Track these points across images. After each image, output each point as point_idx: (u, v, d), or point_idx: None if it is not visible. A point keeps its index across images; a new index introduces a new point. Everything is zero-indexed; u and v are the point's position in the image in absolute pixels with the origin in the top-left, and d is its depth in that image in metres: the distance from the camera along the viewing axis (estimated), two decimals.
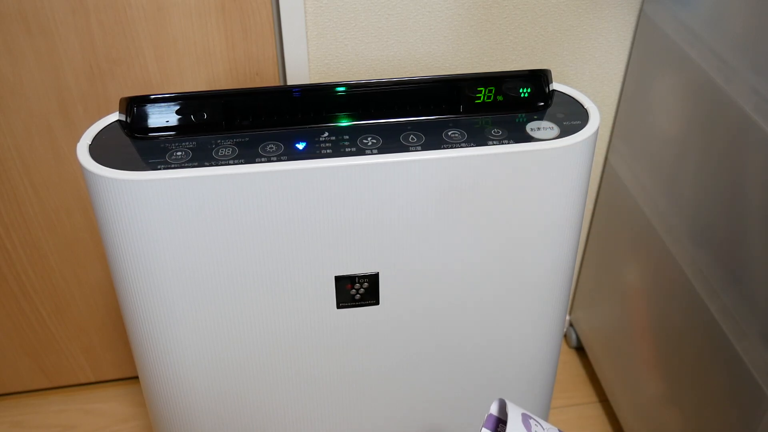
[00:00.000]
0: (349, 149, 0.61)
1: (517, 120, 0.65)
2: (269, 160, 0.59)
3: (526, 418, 0.57)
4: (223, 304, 0.66)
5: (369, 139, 0.62)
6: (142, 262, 0.62)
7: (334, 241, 0.64)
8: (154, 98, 0.63)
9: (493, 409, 0.60)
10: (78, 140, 0.61)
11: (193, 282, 0.64)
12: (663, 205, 0.95)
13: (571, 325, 1.35)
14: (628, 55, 1.02)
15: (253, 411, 0.75)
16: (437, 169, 0.61)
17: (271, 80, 0.97)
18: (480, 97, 0.67)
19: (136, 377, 1.27)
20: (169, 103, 0.63)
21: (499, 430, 0.59)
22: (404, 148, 0.61)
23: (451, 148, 0.61)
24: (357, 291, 0.67)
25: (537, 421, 0.58)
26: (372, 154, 0.60)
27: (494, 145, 0.62)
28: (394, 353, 0.73)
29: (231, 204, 0.60)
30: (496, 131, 0.64)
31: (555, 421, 1.22)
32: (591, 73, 1.03)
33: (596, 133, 0.64)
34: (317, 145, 0.62)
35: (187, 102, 0.64)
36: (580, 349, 1.34)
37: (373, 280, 0.67)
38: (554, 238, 0.68)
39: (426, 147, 0.61)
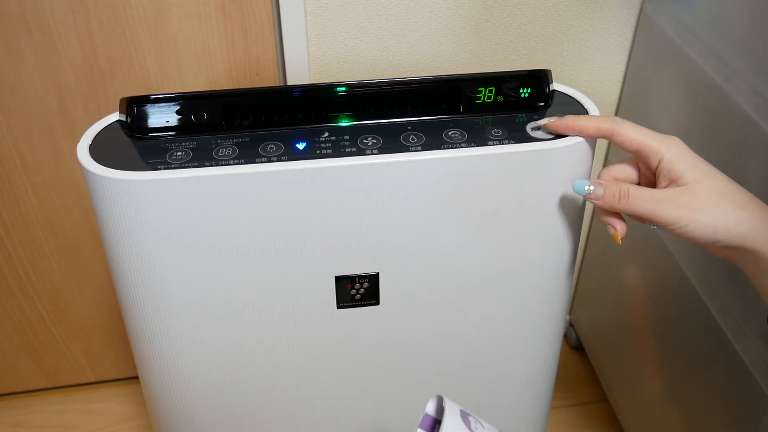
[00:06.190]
0: (350, 149, 0.61)
1: (517, 120, 0.65)
2: (269, 160, 0.59)
3: (464, 416, 0.53)
4: (223, 305, 0.66)
5: (369, 139, 0.62)
6: (142, 262, 0.62)
7: (334, 241, 0.63)
8: (154, 98, 0.63)
9: (430, 409, 0.55)
10: (78, 140, 0.61)
11: (192, 282, 0.64)
12: None
13: (571, 325, 1.35)
14: (628, 55, 1.02)
15: (253, 411, 0.75)
16: (437, 169, 0.61)
17: (271, 80, 0.97)
18: (480, 97, 0.67)
19: (136, 377, 1.27)
20: (169, 103, 0.63)
21: (435, 430, 0.54)
22: (404, 148, 0.61)
23: (452, 148, 0.61)
24: (357, 291, 0.67)
25: (477, 419, 0.54)
26: (372, 154, 0.60)
27: (494, 145, 0.62)
28: (394, 353, 0.73)
29: (231, 204, 0.60)
30: (496, 131, 0.64)
31: (555, 421, 1.22)
32: (591, 73, 1.03)
33: None
34: (317, 145, 0.62)
35: (187, 102, 0.64)
36: (580, 349, 1.34)
37: (373, 280, 0.67)
38: (554, 238, 0.68)
39: (426, 147, 0.61)
